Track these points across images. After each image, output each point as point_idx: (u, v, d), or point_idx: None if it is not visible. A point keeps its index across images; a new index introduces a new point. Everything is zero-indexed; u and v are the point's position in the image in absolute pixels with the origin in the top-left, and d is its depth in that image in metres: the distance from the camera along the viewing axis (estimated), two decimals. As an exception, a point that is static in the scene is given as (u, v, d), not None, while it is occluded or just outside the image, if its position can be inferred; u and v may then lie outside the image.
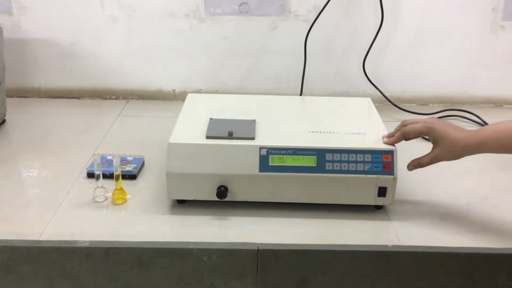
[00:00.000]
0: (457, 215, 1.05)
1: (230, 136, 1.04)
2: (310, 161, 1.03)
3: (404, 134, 1.03)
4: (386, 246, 0.93)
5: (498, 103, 1.61)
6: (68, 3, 1.50)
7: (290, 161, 1.03)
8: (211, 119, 1.12)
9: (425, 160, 1.01)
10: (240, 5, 1.51)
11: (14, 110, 1.45)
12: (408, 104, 1.58)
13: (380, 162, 1.02)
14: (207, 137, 1.05)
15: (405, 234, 0.99)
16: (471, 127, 1.48)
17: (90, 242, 0.92)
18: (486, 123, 1.47)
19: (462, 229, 1.01)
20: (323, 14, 1.48)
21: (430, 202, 1.09)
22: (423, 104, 1.61)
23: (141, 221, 1.02)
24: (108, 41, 1.55)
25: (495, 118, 1.47)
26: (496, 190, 1.14)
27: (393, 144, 1.04)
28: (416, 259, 0.92)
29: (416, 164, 1.03)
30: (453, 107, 1.56)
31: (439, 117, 1.50)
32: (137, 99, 1.61)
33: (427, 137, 1.02)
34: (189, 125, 1.11)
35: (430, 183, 1.16)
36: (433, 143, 1.01)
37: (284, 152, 1.03)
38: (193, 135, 1.06)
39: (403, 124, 1.04)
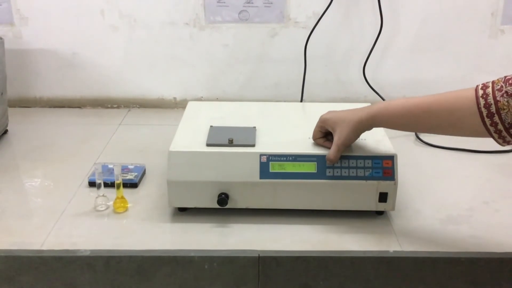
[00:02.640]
0: (458, 220, 1.05)
1: (231, 143, 1.05)
2: (311, 168, 1.03)
3: (315, 141, 1.05)
4: (387, 251, 0.93)
5: (498, 107, 1.61)
6: (69, 13, 1.51)
7: (290, 167, 1.03)
8: (211, 126, 1.13)
9: (331, 153, 1.00)
10: (239, 13, 1.51)
11: (16, 120, 1.45)
12: (409, 109, 1.58)
13: (381, 167, 1.03)
14: (207, 145, 1.05)
15: (407, 239, 0.98)
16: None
17: (91, 251, 0.92)
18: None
19: (463, 234, 1.01)
20: (322, 20, 1.49)
21: (431, 207, 1.09)
22: (424, 109, 1.61)
23: (142, 230, 1.02)
24: (109, 50, 1.56)
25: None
26: (496, 195, 1.14)
27: (335, 160, 1.01)
28: (418, 264, 0.92)
29: (330, 160, 1.01)
30: (454, 112, 1.56)
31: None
32: (138, 107, 1.62)
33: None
34: (190, 133, 1.11)
35: (431, 188, 1.16)
36: (334, 133, 1.02)
37: (285, 158, 1.03)
38: (193, 143, 1.06)
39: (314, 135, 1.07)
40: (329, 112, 1.04)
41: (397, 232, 1.01)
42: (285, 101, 1.55)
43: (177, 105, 1.62)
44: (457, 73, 1.58)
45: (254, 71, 1.58)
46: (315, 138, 1.06)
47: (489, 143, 1.34)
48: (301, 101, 1.54)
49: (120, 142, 1.39)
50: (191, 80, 1.59)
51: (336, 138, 1.00)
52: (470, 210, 1.08)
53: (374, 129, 1.13)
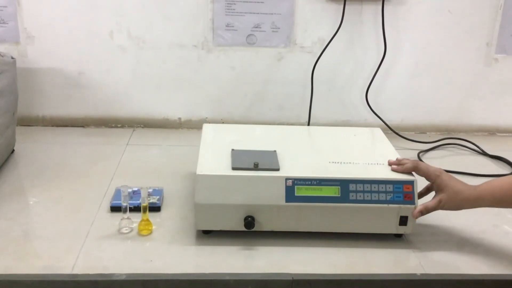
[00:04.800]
0: (473, 242, 1.10)
1: (256, 167, 1.07)
2: (335, 191, 1.06)
3: (415, 168, 1.08)
4: (415, 274, 0.97)
5: (491, 131, 1.69)
6: (78, 33, 1.52)
7: (315, 191, 1.06)
8: (233, 150, 1.15)
9: (430, 205, 1.05)
10: (247, 37, 1.54)
11: (21, 139, 1.44)
12: (407, 132, 1.64)
13: (401, 192, 1.07)
14: (233, 168, 1.07)
15: (428, 262, 1.02)
16: (469, 154, 1.55)
17: (127, 275, 0.93)
18: (483, 151, 1.54)
19: (479, 256, 1.05)
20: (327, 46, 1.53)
21: (445, 229, 1.14)
22: (421, 132, 1.67)
23: (170, 252, 1.03)
24: (116, 70, 1.56)
25: (489, 146, 1.56)
26: (504, 218, 1.19)
27: (401, 172, 1.08)
28: (443, 286, 0.96)
29: (423, 210, 1.05)
30: (450, 136, 1.63)
31: (439, 146, 1.57)
32: (142, 127, 1.62)
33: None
34: (212, 156, 1.13)
35: (442, 212, 1.20)
36: (437, 191, 1.07)
37: (309, 182, 1.06)
38: (219, 166, 1.08)
39: (417, 163, 1.09)
40: (446, 173, 1.07)
41: (418, 254, 1.05)
42: (288, 123, 1.60)
43: (182, 126, 1.63)
44: (453, 99, 1.65)
45: (259, 93, 1.61)
46: (420, 193, 1.10)
47: (494, 168, 1.43)
48: (308, 124, 1.58)
49: (131, 163, 1.39)
50: (196, 101, 1.61)
51: (440, 197, 1.05)
52: (482, 232, 1.13)
53: (388, 152, 1.19)
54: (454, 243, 1.10)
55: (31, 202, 1.19)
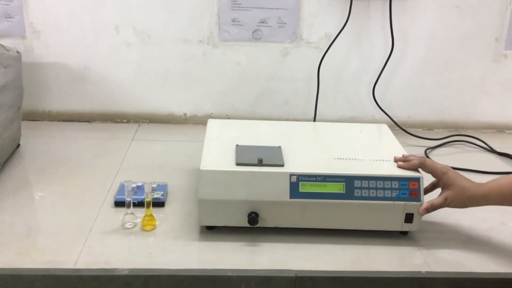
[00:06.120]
0: (479, 240, 1.09)
1: (260, 163, 1.06)
2: (339, 188, 1.05)
3: (422, 165, 1.07)
4: (420, 272, 0.96)
5: (500, 129, 1.67)
6: (83, 28, 1.52)
7: (319, 187, 1.05)
8: (237, 145, 1.14)
9: (437, 202, 1.04)
10: (253, 32, 1.54)
11: (26, 134, 1.44)
12: (414, 129, 1.62)
13: (407, 189, 1.05)
14: (237, 164, 1.06)
15: (434, 260, 1.01)
16: (476, 152, 1.53)
17: (130, 270, 0.92)
18: (491, 148, 1.52)
19: (485, 254, 1.04)
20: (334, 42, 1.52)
21: (451, 227, 1.12)
22: (429, 129, 1.66)
23: (173, 248, 1.02)
24: (121, 65, 1.56)
25: (497, 143, 1.54)
26: (511, 216, 1.17)
27: (407, 169, 1.07)
28: (449, 284, 0.95)
29: (428, 207, 1.04)
30: (457, 132, 1.61)
31: (446, 143, 1.56)
32: (148, 122, 1.62)
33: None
34: (216, 152, 1.12)
35: (448, 209, 1.19)
36: (443, 187, 1.05)
37: (314, 179, 1.05)
38: (222, 161, 1.08)
39: (424, 159, 1.08)
40: (453, 170, 1.06)
41: (423, 252, 1.04)
42: (294, 120, 1.59)
43: (187, 121, 1.63)
44: (461, 95, 1.63)
45: (264, 89, 1.60)
46: (425, 189, 1.08)
47: (502, 166, 1.41)
48: (314, 120, 1.57)
49: (136, 158, 1.39)
50: (202, 96, 1.60)
51: (446, 195, 1.03)
52: (489, 230, 1.12)
53: (395, 149, 1.17)
54: (460, 241, 1.08)
55: (36, 197, 1.19)
